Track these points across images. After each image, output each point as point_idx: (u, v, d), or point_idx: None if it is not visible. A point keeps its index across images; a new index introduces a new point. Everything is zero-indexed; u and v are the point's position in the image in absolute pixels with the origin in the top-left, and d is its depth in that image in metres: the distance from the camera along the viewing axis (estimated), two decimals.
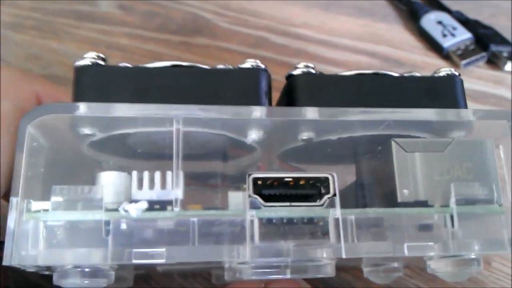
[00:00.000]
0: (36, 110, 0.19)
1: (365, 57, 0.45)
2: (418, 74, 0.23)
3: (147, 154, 0.22)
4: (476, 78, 0.43)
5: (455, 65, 0.43)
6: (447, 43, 0.43)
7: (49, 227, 0.18)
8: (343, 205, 0.19)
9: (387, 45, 0.46)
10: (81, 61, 0.21)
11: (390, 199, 0.20)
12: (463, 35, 0.43)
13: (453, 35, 0.43)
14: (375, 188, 0.22)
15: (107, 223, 0.18)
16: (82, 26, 0.48)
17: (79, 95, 0.20)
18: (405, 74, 0.23)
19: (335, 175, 0.20)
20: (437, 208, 0.20)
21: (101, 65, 0.21)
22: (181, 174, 0.19)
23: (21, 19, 0.48)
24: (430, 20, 0.45)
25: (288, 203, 0.19)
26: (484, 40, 0.43)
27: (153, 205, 0.18)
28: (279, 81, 0.41)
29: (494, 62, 0.43)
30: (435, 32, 0.44)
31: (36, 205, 0.18)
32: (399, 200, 0.20)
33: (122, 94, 0.20)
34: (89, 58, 0.21)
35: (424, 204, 0.20)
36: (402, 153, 0.20)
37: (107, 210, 0.18)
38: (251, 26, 0.47)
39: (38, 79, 0.26)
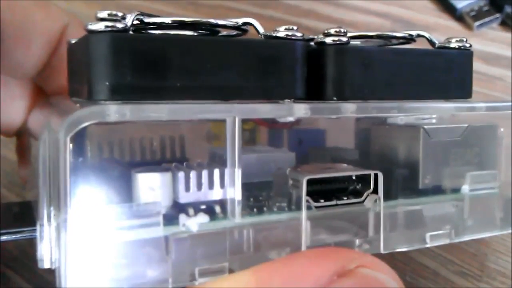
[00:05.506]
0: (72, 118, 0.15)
1: (376, 17, 0.45)
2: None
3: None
4: (489, 40, 0.43)
5: (468, 27, 0.43)
6: (460, 4, 0.43)
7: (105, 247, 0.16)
8: None
9: (399, 5, 0.45)
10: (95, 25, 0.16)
11: (408, 186, 0.21)
12: None
13: None
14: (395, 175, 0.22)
15: (166, 239, 0.16)
16: None
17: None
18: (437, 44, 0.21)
19: (380, 174, 0.19)
20: (451, 195, 0.21)
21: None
22: (239, 173, 0.17)
23: None
24: None
25: (334, 202, 0.19)
26: (499, 1, 0.42)
27: (199, 208, 0.17)
28: None
29: (508, 24, 0.43)
30: None
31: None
32: (420, 186, 0.21)
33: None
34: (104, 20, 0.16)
35: (439, 190, 0.21)
36: (427, 140, 0.21)
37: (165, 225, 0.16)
38: None
39: (64, 12, 0.24)
